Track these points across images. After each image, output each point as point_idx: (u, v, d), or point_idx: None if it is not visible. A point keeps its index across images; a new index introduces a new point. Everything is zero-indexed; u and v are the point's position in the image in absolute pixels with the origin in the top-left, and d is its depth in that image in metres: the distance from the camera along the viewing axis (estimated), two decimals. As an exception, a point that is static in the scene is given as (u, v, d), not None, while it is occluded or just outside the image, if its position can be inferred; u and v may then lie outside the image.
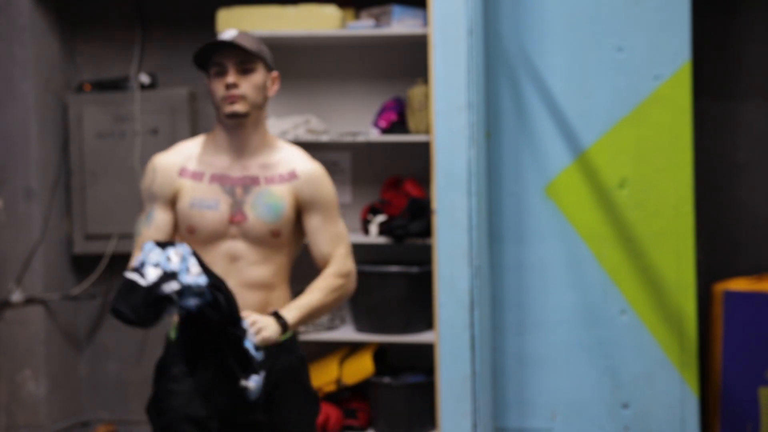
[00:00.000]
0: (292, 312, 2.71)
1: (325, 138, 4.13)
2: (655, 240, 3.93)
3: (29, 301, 4.49)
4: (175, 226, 2.84)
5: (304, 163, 2.82)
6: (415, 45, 4.10)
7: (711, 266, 4.25)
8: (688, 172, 3.91)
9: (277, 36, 4.04)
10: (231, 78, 2.72)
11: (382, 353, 4.24)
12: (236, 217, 2.76)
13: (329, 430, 4.08)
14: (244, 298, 2.75)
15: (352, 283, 2.85)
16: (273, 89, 2.83)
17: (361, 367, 4.10)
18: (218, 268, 2.73)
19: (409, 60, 4.22)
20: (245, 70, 2.75)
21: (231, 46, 2.75)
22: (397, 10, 4.01)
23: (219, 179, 2.78)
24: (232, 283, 2.72)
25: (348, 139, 4.12)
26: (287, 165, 2.81)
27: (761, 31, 4.28)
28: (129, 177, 4.49)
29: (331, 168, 4.22)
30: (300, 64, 4.34)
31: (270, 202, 2.76)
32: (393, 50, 4.27)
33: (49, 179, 4.54)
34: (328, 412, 4.07)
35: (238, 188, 2.78)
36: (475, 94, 3.76)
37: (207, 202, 2.77)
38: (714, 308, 4.09)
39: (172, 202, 2.81)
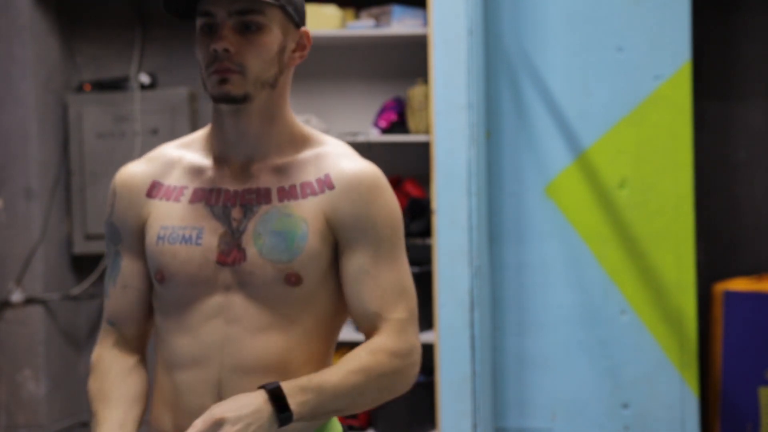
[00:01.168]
0: (303, 395, 1.65)
1: (325, 138, 4.13)
2: (655, 240, 3.93)
3: (29, 301, 4.49)
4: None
5: (345, 164, 1.79)
6: (415, 45, 4.10)
7: (711, 266, 4.25)
8: (688, 172, 3.91)
9: (277, 36, 4.03)
10: (221, 42, 1.72)
11: (382, 353, 4.24)
12: (229, 255, 1.74)
13: (329, 430, 4.07)
14: (242, 390, 1.71)
15: (413, 369, 1.76)
16: (299, 55, 1.84)
17: (361, 367, 4.09)
18: (200, 343, 1.75)
19: (409, 60, 4.22)
20: (247, 26, 1.74)
21: None
22: (397, 10, 4.02)
23: (205, 196, 1.78)
24: (221, 367, 1.75)
25: (348, 139, 4.11)
26: (319, 168, 1.79)
27: (761, 31, 4.28)
28: (129, 177, 4.50)
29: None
30: (300, 64, 4.32)
31: (282, 228, 1.74)
32: (393, 50, 4.27)
33: (49, 179, 4.54)
34: (328, 412, 4.07)
35: (236, 209, 1.76)
36: (475, 94, 3.76)
37: (183, 233, 1.77)
38: (714, 308, 4.09)
39: (143, 241, 1.83)
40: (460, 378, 3.74)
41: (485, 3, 3.93)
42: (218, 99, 1.74)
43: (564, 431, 3.99)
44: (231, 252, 1.75)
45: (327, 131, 4.22)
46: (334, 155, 1.80)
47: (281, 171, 1.79)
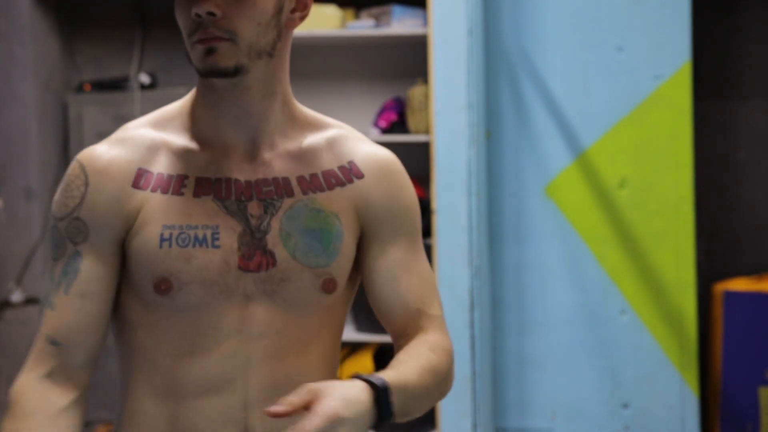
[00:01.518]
0: (395, 396, 1.39)
1: (325, 138, 4.13)
2: (655, 240, 3.93)
3: (29, 301, 4.49)
4: (119, 288, 1.53)
5: (367, 149, 1.59)
6: (415, 45, 4.10)
7: (711, 266, 4.25)
8: (688, 172, 3.91)
9: (277, 36, 4.04)
10: (204, 3, 1.43)
11: (382, 353, 4.24)
12: (251, 259, 1.49)
13: (329, 430, 4.07)
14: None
15: (453, 374, 1.59)
16: (299, 16, 1.53)
17: (361, 367, 4.10)
18: (218, 366, 1.50)
19: (409, 60, 4.22)
20: None
21: None
22: (397, 10, 4.02)
23: (212, 188, 1.50)
24: (247, 391, 1.50)
25: (348, 139, 4.11)
26: (337, 154, 1.57)
27: (761, 31, 4.28)
28: (129, 177, 4.50)
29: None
30: (300, 64, 4.34)
31: (315, 227, 1.52)
32: (393, 50, 4.28)
33: (49, 179, 4.54)
34: (328, 412, 4.07)
35: (253, 204, 1.50)
36: (475, 94, 3.76)
37: (195, 233, 1.48)
38: (714, 308, 4.09)
39: (119, 242, 1.50)
40: (460, 378, 3.74)
41: (485, 3, 3.93)
42: (206, 73, 1.45)
43: (564, 431, 3.99)
44: (254, 255, 1.48)
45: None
46: (351, 139, 1.59)
47: (295, 158, 1.54)
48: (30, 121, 4.47)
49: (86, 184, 1.50)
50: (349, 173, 1.56)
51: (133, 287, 1.51)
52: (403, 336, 1.57)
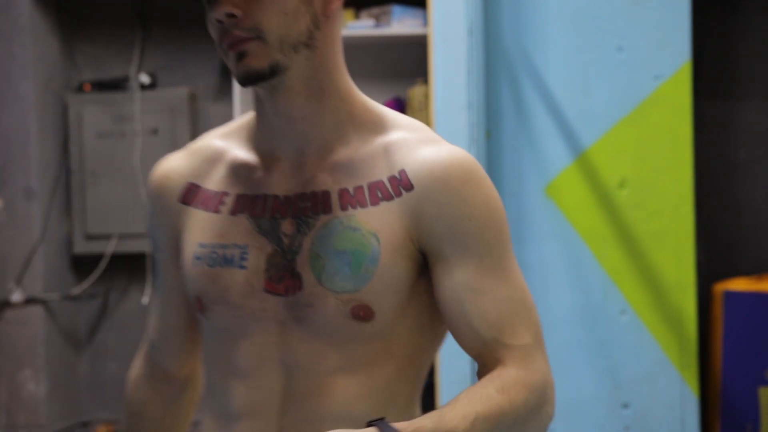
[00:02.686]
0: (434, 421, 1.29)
1: (325, 138, 4.13)
2: (655, 240, 3.93)
3: (29, 301, 4.49)
4: None
5: (424, 154, 1.38)
6: (415, 45, 4.10)
7: (711, 266, 4.25)
8: (688, 172, 3.91)
9: (277, 36, 4.04)
10: (221, 6, 1.31)
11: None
12: (280, 282, 1.38)
13: (329, 430, 4.08)
14: None
15: (548, 408, 1.56)
16: (334, 3, 1.38)
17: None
18: (256, 391, 1.41)
19: (409, 60, 4.22)
20: None
21: None
22: (397, 10, 4.01)
23: (249, 205, 1.41)
24: (282, 419, 1.40)
25: (348, 139, 4.11)
26: (391, 162, 1.38)
27: (761, 31, 4.28)
28: (129, 177, 4.50)
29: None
30: (300, 64, 4.34)
31: (347, 247, 1.35)
32: (393, 50, 4.27)
33: (49, 179, 4.54)
34: (328, 412, 4.07)
35: (287, 222, 1.38)
36: (475, 94, 3.76)
37: (224, 252, 1.41)
38: (714, 308, 4.09)
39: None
40: (460, 378, 3.74)
41: (485, 3, 3.93)
42: (243, 80, 1.33)
43: (564, 431, 3.99)
44: (283, 278, 1.36)
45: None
46: (411, 143, 1.38)
47: (343, 168, 1.36)
48: (30, 121, 4.46)
49: (148, 197, 1.54)
50: (398, 184, 1.35)
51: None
52: (482, 366, 1.41)
